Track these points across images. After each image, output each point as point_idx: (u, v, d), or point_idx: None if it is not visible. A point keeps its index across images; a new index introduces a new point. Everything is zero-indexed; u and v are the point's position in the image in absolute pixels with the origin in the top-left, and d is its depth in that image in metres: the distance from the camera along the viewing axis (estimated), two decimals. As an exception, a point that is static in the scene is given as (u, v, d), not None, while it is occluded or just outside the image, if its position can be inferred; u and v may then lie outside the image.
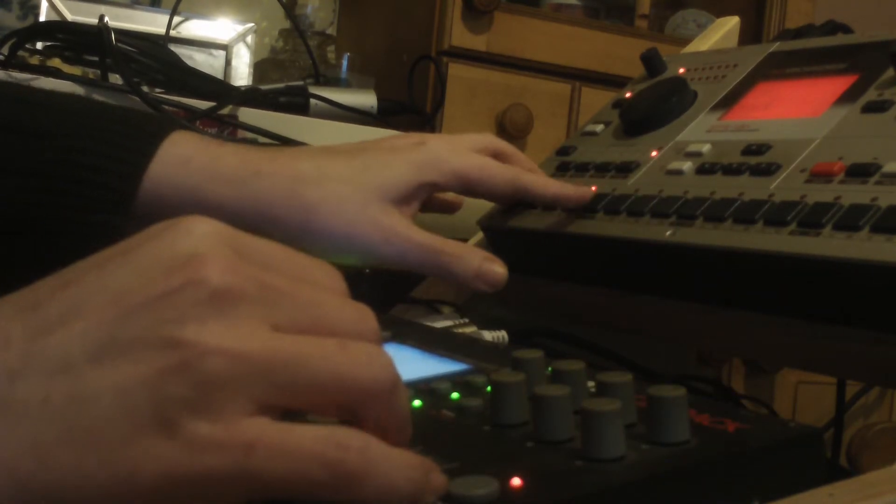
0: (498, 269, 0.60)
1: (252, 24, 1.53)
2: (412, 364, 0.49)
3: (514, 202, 0.68)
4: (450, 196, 0.68)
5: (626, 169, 0.67)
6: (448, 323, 0.63)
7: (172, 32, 1.38)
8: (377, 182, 0.59)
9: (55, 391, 0.28)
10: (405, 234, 0.59)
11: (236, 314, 0.29)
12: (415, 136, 0.64)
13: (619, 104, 0.76)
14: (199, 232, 0.30)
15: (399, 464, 0.30)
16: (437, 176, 0.61)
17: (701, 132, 0.67)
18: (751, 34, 1.68)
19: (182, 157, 0.56)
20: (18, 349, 0.28)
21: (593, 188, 0.66)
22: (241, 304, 0.29)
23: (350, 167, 0.59)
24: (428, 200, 0.64)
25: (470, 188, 0.63)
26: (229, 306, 0.29)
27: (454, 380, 0.44)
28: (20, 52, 0.98)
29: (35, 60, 0.98)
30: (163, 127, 0.58)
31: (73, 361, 0.28)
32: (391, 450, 0.30)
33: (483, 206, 0.75)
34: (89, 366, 0.28)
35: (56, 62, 0.98)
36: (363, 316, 0.32)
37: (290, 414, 0.30)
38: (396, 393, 0.31)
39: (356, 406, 0.30)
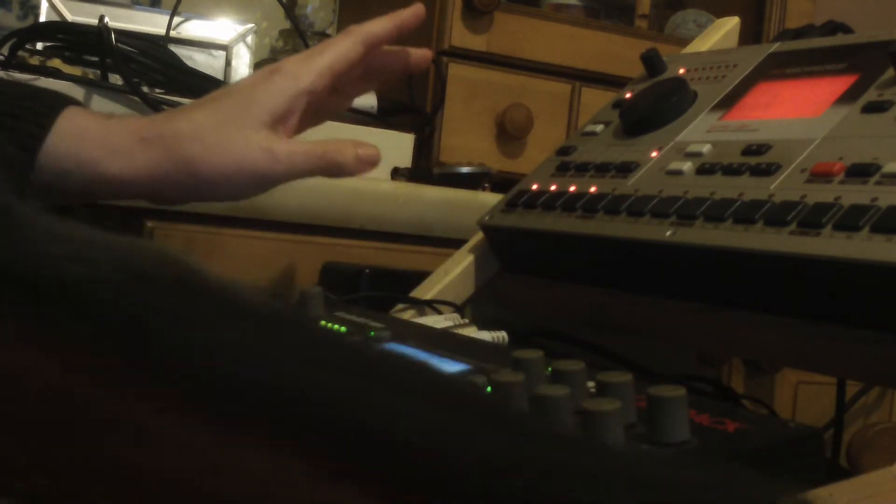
0: (371, 149, 0.64)
1: (252, 25, 1.53)
2: (412, 364, 0.49)
3: (371, 57, 0.70)
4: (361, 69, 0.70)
5: (626, 169, 0.67)
6: (448, 323, 0.63)
7: (172, 33, 1.38)
8: (248, 115, 0.62)
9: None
10: (288, 149, 0.62)
11: None
12: (268, 67, 0.67)
13: (619, 104, 0.76)
14: None
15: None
16: (302, 85, 0.64)
17: (701, 132, 0.67)
18: (751, 34, 1.68)
19: (77, 130, 0.59)
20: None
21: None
22: None
23: (220, 112, 0.62)
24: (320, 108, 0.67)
25: (333, 72, 0.66)
26: None
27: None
28: (20, 52, 0.98)
29: (35, 61, 0.98)
30: (56, 102, 0.60)
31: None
32: None
33: (483, 207, 0.75)
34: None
35: (56, 62, 0.98)
36: None
37: None
38: None
39: None
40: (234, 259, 0.88)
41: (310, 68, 0.64)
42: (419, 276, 0.74)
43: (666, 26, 1.79)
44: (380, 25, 0.69)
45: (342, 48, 0.66)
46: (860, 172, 0.52)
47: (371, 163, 0.64)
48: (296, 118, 0.64)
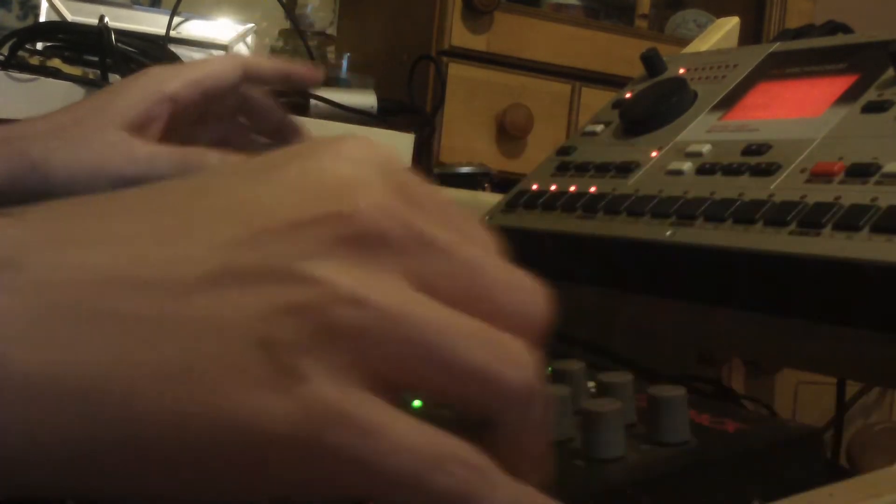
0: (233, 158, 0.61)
1: (252, 25, 1.53)
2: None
3: (250, 91, 0.68)
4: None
5: (626, 169, 0.67)
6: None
7: (172, 33, 1.38)
8: (105, 115, 0.60)
9: (159, 311, 0.23)
10: (146, 148, 0.59)
11: (381, 262, 0.24)
12: (142, 71, 0.65)
13: (619, 104, 0.76)
14: (357, 157, 0.26)
15: (522, 500, 0.25)
16: (166, 89, 0.61)
17: (701, 132, 0.67)
18: (751, 34, 1.68)
19: None
20: (131, 254, 0.24)
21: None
22: (390, 252, 0.24)
23: (79, 112, 0.60)
24: (197, 119, 0.65)
25: (203, 88, 0.63)
26: (377, 252, 0.24)
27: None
28: (20, 52, 0.98)
29: (35, 60, 0.99)
30: None
31: (187, 280, 0.23)
32: (516, 484, 0.24)
33: (483, 207, 0.75)
34: (203, 289, 0.23)
35: (56, 62, 0.98)
36: (532, 294, 0.27)
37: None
38: (541, 412, 0.26)
39: (491, 410, 0.25)
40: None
41: (177, 76, 0.62)
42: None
43: (666, 26, 1.79)
44: (268, 63, 0.68)
45: (217, 67, 0.64)
46: (860, 172, 0.52)
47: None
48: (159, 125, 0.61)
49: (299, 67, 0.68)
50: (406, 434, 0.23)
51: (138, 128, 0.60)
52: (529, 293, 0.27)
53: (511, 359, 0.25)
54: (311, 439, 0.23)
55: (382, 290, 0.24)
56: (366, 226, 0.24)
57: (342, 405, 0.23)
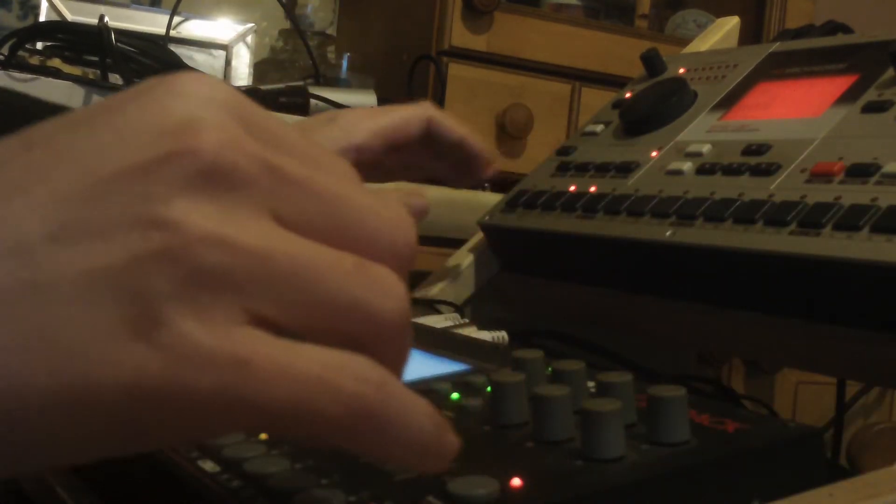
0: (420, 200, 0.59)
1: (252, 25, 1.53)
2: (412, 364, 0.49)
3: (431, 144, 0.68)
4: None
5: (626, 169, 0.67)
6: (448, 323, 0.63)
7: (172, 32, 1.38)
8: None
9: (4, 275, 0.22)
10: None
11: (235, 198, 0.23)
12: (328, 113, 0.66)
13: (619, 104, 0.76)
14: (197, 94, 0.24)
15: (418, 409, 0.25)
16: (354, 140, 0.62)
17: (701, 132, 0.67)
18: (751, 34, 1.68)
19: None
20: None
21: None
22: (243, 186, 0.23)
23: None
24: (378, 169, 0.66)
25: (387, 139, 0.64)
26: (228, 187, 0.23)
27: (454, 380, 0.44)
28: (20, 52, 0.98)
29: (35, 60, 0.99)
30: None
31: (29, 240, 0.22)
32: (410, 392, 0.25)
33: (483, 207, 0.75)
34: (49, 247, 0.22)
35: (56, 62, 0.98)
36: (398, 221, 0.26)
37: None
38: (407, 335, 0.26)
39: (365, 339, 0.25)
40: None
41: (364, 126, 0.63)
42: (419, 276, 0.74)
43: (666, 26, 1.79)
44: (453, 125, 0.67)
45: (404, 117, 0.65)
46: (860, 172, 0.52)
47: (419, 214, 0.62)
48: None
49: (479, 146, 0.68)
50: (283, 361, 0.23)
51: None
52: (394, 220, 0.26)
53: (383, 290, 0.25)
54: (187, 384, 0.22)
55: (242, 227, 0.23)
56: (214, 161, 0.23)
57: (212, 345, 0.22)
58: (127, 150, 0.23)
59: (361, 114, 0.64)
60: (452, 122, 0.67)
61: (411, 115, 0.66)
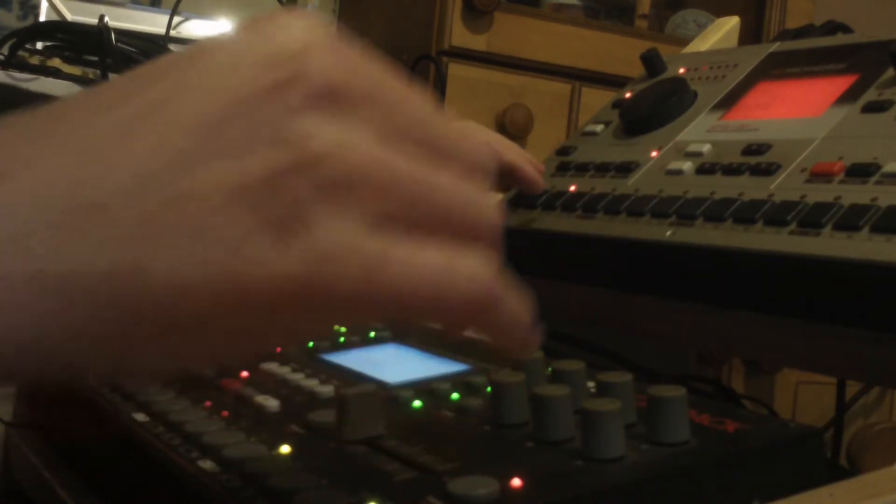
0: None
1: (252, 24, 1.53)
2: (412, 364, 0.49)
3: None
4: None
5: (626, 169, 0.67)
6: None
7: (172, 32, 1.38)
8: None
9: (151, 192, 0.24)
10: None
11: (349, 115, 0.26)
12: None
13: (619, 104, 0.76)
14: (303, 25, 0.26)
15: (520, 301, 0.28)
16: None
17: (701, 132, 0.67)
18: (751, 34, 1.68)
19: None
20: (107, 148, 0.24)
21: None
22: (354, 104, 0.26)
23: None
24: None
25: None
26: (341, 105, 0.26)
27: (454, 380, 0.44)
28: (20, 52, 0.98)
29: (35, 60, 0.98)
30: None
31: (168, 163, 0.24)
32: (514, 286, 0.28)
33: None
34: (188, 168, 0.24)
35: (56, 62, 0.98)
36: (479, 145, 0.29)
37: None
38: (500, 240, 0.29)
39: (471, 237, 0.28)
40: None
41: None
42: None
43: (666, 26, 1.79)
44: (524, 163, 0.68)
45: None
46: (860, 172, 0.52)
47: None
48: None
49: (532, 172, 0.68)
50: (414, 255, 0.26)
51: None
52: (477, 144, 0.29)
53: (479, 199, 0.28)
54: (331, 280, 0.25)
55: (361, 139, 0.25)
56: (328, 81, 0.25)
57: (348, 242, 0.25)
58: (247, 78, 0.25)
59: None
60: (504, 148, 0.67)
61: (485, 151, 0.67)
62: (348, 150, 0.25)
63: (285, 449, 0.37)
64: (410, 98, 0.28)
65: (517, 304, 0.29)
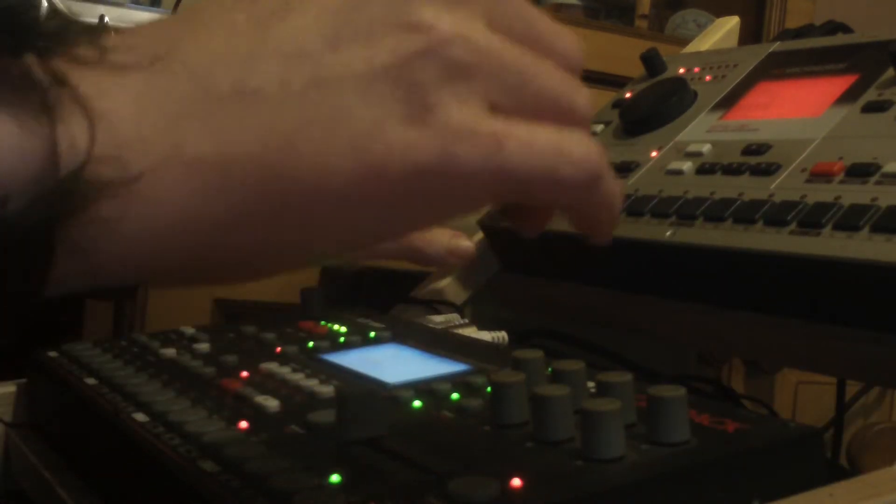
0: (464, 243, 0.62)
1: (252, 24, 1.53)
2: (412, 364, 0.49)
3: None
4: None
5: (626, 169, 0.67)
6: (448, 323, 0.63)
7: (172, 32, 1.38)
8: None
9: (294, 76, 0.26)
10: None
11: (464, 8, 0.28)
12: None
13: (619, 104, 0.76)
14: None
15: (618, 183, 0.31)
16: None
17: (701, 132, 0.67)
18: (751, 34, 1.68)
19: None
20: (248, 36, 0.26)
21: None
22: (472, 2, 0.28)
23: None
24: None
25: None
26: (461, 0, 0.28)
27: (454, 380, 0.44)
28: (20, 53, 0.98)
29: (35, 60, 0.98)
30: None
31: (309, 47, 0.26)
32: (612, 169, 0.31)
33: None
34: (326, 51, 0.26)
35: (56, 62, 0.98)
36: (572, 40, 0.32)
37: None
38: (590, 127, 0.32)
39: (569, 123, 0.30)
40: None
41: None
42: (419, 277, 0.74)
43: (666, 26, 1.79)
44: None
45: None
46: (860, 172, 0.52)
47: (463, 258, 0.63)
48: None
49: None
50: (528, 136, 0.28)
51: None
52: (570, 38, 0.32)
53: (575, 88, 0.30)
54: (459, 158, 0.27)
55: (478, 31, 0.28)
56: None
57: (472, 123, 0.27)
58: None
59: None
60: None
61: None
62: (468, 38, 0.27)
63: (285, 449, 0.37)
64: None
65: (616, 185, 0.31)
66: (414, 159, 0.26)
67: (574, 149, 0.29)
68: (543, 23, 0.31)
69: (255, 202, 0.26)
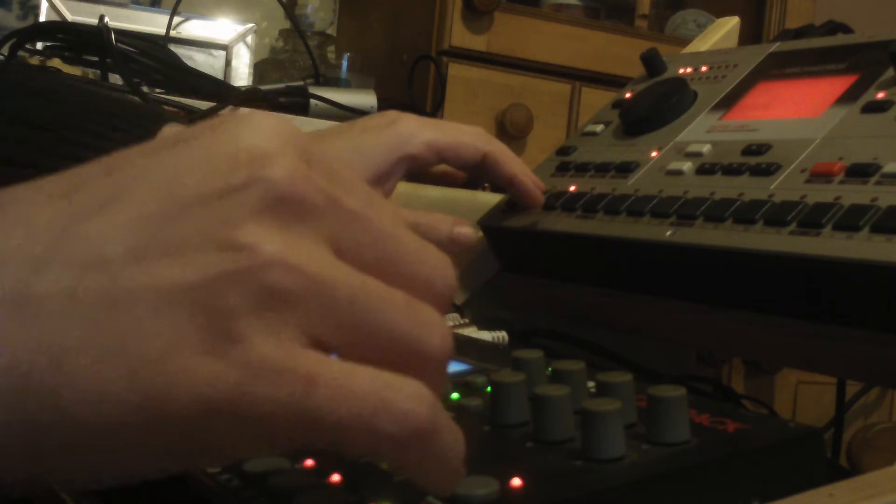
0: (466, 230, 0.62)
1: (252, 25, 1.53)
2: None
3: (481, 175, 0.68)
4: (446, 168, 0.69)
5: (626, 169, 0.67)
6: (448, 323, 0.63)
7: (172, 32, 1.38)
8: (356, 169, 0.61)
9: (85, 288, 0.23)
10: None
11: (301, 227, 0.25)
12: (389, 115, 0.65)
13: (619, 104, 0.76)
14: (267, 129, 0.26)
15: (457, 433, 0.26)
16: (410, 149, 0.62)
17: (701, 132, 0.67)
18: (751, 34, 1.68)
19: None
20: (45, 237, 0.23)
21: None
22: (309, 216, 0.25)
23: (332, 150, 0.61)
24: (421, 174, 0.66)
25: (441, 155, 0.64)
26: (295, 216, 0.25)
27: (454, 380, 0.44)
28: (20, 52, 0.98)
29: (35, 60, 0.98)
30: (156, 120, 0.58)
31: (109, 256, 0.23)
32: (450, 417, 0.26)
33: (483, 207, 0.75)
34: (128, 263, 0.23)
35: (56, 62, 0.98)
36: (441, 266, 0.28)
37: None
38: (446, 370, 0.27)
39: (410, 368, 0.26)
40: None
41: (422, 138, 0.63)
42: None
43: (666, 26, 1.79)
44: (508, 160, 0.66)
45: (462, 142, 0.64)
46: (860, 172, 0.52)
47: (465, 246, 0.63)
48: (395, 180, 0.62)
49: (526, 187, 0.67)
50: (345, 379, 0.24)
51: (378, 181, 0.61)
52: (438, 264, 0.28)
53: (430, 326, 0.26)
54: (258, 398, 0.23)
55: (308, 254, 0.24)
56: (284, 191, 0.25)
57: (280, 360, 0.24)
58: (203, 177, 0.25)
59: (422, 124, 0.64)
60: (506, 160, 0.67)
61: (469, 143, 0.65)
62: (293, 265, 0.24)
63: (286, 450, 0.37)
64: (372, 211, 0.27)
65: (455, 439, 0.26)
66: (203, 395, 0.23)
67: (400, 399, 0.24)
68: (404, 245, 0.27)
69: (20, 424, 0.22)
